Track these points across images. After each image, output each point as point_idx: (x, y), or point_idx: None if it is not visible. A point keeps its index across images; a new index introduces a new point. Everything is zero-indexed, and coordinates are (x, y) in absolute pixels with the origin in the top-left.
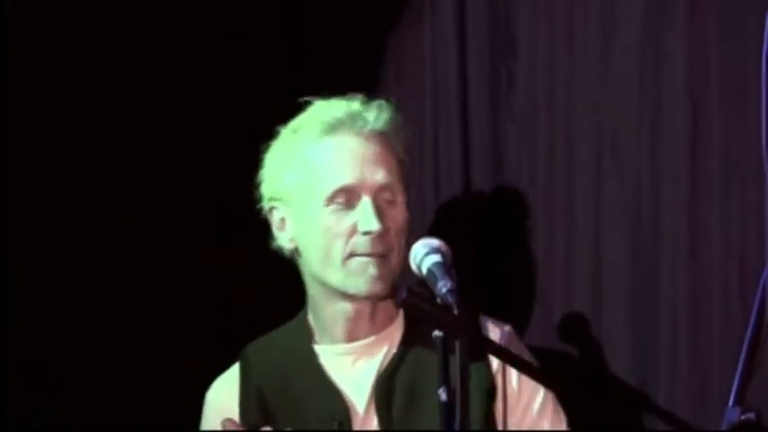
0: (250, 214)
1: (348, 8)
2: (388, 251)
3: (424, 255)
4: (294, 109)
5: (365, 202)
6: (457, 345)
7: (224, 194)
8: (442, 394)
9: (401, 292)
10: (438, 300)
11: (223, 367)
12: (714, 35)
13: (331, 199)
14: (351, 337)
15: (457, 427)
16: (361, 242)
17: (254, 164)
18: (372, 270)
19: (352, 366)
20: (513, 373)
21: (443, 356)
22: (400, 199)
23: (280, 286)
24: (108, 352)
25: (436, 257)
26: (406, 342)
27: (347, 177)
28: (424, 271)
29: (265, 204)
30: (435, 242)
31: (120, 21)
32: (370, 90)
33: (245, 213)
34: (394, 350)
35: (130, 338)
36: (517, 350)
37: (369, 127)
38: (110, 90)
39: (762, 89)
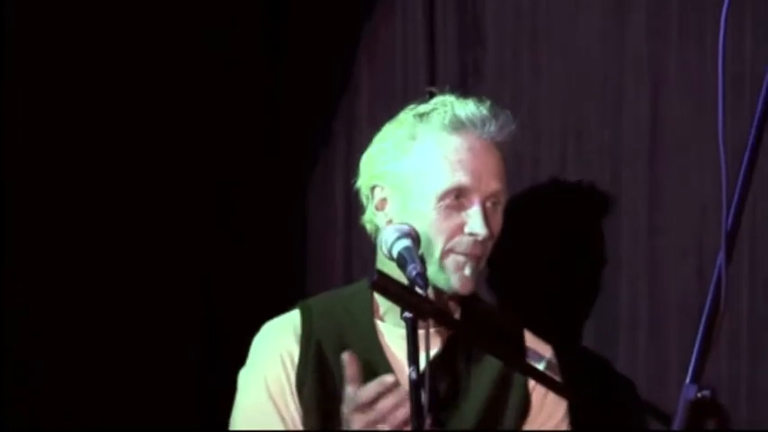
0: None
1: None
2: (484, 255)
3: (395, 239)
4: (273, 97)
5: (477, 206)
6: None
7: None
8: (412, 373)
9: (372, 275)
10: (408, 282)
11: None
12: (674, 25)
13: (445, 196)
14: None
15: (425, 405)
16: (464, 242)
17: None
18: (467, 270)
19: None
20: (541, 388)
21: (412, 336)
22: (500, 208)
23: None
24: (90, 341)
25: (406, 242)
26: (460, 338)
27: (466, 179)
28: (395, 254)
29: (366, 181)
30: (405, 227)
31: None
32: (343, 79)
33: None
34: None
35: (114, 328)
36: (552, 369)
37: (493, 134)
38: (92, 78)
39: (718, 79)
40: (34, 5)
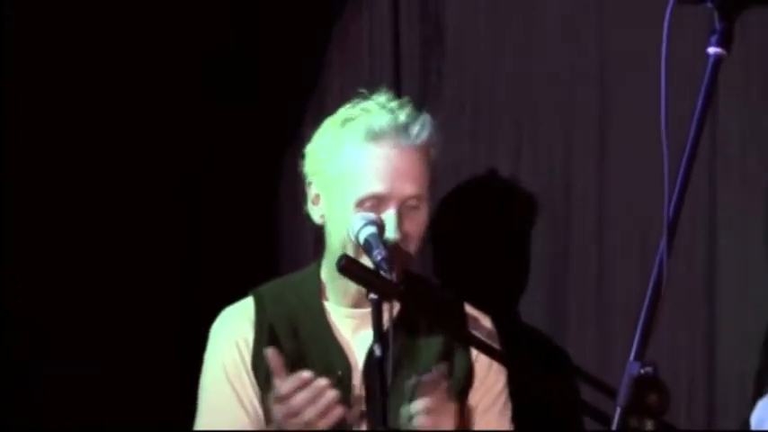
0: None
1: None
2: (405, 254)
3: (362, 226)
4: (245, 87)
5: (390, 212)
6: (386, 306)
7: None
8: (377, 350)
9: (340, 259)
10: (373, 266)
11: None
12: (627, 21)
13: (362, 202)
14: (356, 305)
15: (388, 379)
16: (378, 235)
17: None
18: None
19: (354, 330)
20: (483, 357)
21: (377, 316)
22: (424, 205)
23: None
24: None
25: (372, 229)
26: (401, 317)
27: (379, 187)
28: (362, 241)
29: (306, 176)
30: (371, 215)
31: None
32: (313, 75)
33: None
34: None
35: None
36: (491, 338)
37: (410, 141)
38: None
39: (661, 77)
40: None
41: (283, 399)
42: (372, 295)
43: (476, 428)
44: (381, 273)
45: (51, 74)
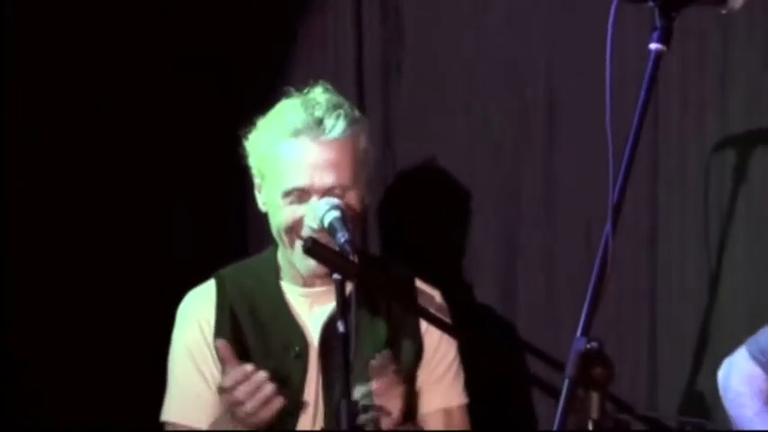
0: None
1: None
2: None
3: (326, 211)
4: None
5: (313, 202)
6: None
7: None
8: (340, 326)
9: (307, 242)
10: (337, 248)
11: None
12: (573, 19)
13: (286, 195)
14: (309, 283)
15: (351, 353)
16: (307, 232)
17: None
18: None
19: (310, 308)
20: (434, 329)
21: (341, 295)
22: (351, 192)
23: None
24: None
25: (336, 213)
26: (356, 295)
27: (300, 180)
28: (326, 224)
29: (250, 167)
30: (335, 200)
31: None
32: (281, 71)
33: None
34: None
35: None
36: (443, 314)
37: (326, 135)
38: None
39: (606, 71)
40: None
41: (226, 390)
42: (336, 275)
43: (431, 396)
44: (344, 254)
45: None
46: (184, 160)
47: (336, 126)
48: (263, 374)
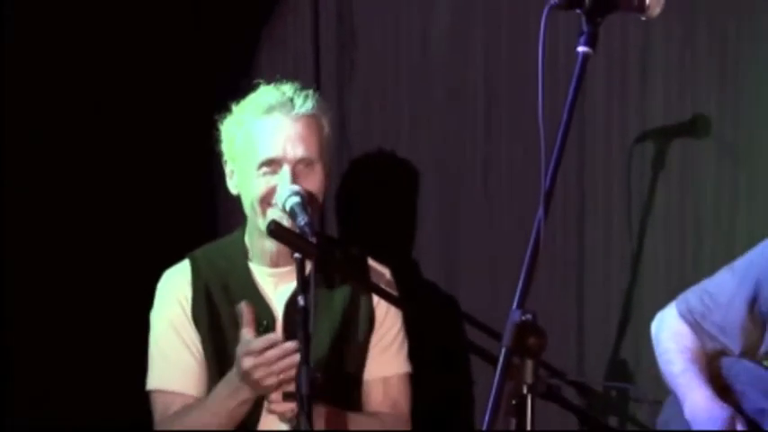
0: None
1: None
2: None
3: (288, 196)
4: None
5: (284, 172)
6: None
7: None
8: (301, 300)
9: (270, 224)
10: (298, 230)
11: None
12: (505, 24)
13: (261, 166)
14: (274, 264)
15: (311, 327)
16: (281, 200)
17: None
18: (286, 221)
19: (276, 286)
20: (383, 302)
21: (301, 272)
22: (318, 167)
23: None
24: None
25: (297, 198)
26: (315, 273)
27: (273, 151)
28: (288, 208)
29: (222, 156)
30: (296, 187)
31: None
32: (246, 70)
33: None
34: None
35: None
36: (390, 286)
37: (296, 111)
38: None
39: (539, 70)
40: None
41: (254, 353)
42: (297, 255)
43: (377, 364)
44: (304, 235)
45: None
46: (158, 151)
47: (306, 103)
48: (292, 344)
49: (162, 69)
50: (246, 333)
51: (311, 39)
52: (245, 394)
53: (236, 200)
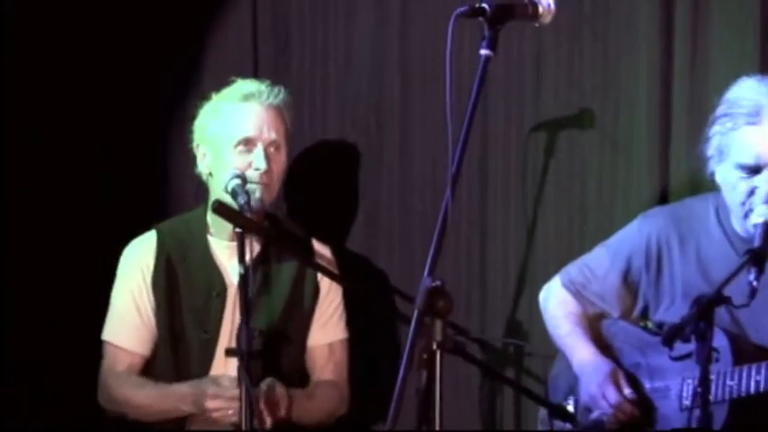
0: None
1: (186, 12)
2: (271, 182)
3: (230, 179)
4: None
5: (259, 149)
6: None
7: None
8: (241, 269)
9: (214, 203)
10: (238, 208)
11: None
12: (422, 38)
13: (238, 144)
14: (232, 238)
15: (250, 292)
16: (254, 174)
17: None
18: (258, 193)
19: (230, 258)
20: (326, 279)
21: (241, 243)
22: (283, 151)
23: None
24: None
25: (237, 181)
26: (266, 247)
27: (250, 131)
28: (230, 189)
29: (195, 144)
30: (237, 171)
31: None
32: (194, 71)
33: None
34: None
35: None
36: (331, 264)
37: (269, 101)
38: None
39: (446, 70)
40: None
41: (223, 398)
42: (238, 229)
43: (321, 332)
44: (244, 213)
45: None
46: (115, 139)
47: (278, 96)
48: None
49: (122, 66)
50: (225, 379)
51: (250, 45)
52: (191, 410)
53: (200, 181)
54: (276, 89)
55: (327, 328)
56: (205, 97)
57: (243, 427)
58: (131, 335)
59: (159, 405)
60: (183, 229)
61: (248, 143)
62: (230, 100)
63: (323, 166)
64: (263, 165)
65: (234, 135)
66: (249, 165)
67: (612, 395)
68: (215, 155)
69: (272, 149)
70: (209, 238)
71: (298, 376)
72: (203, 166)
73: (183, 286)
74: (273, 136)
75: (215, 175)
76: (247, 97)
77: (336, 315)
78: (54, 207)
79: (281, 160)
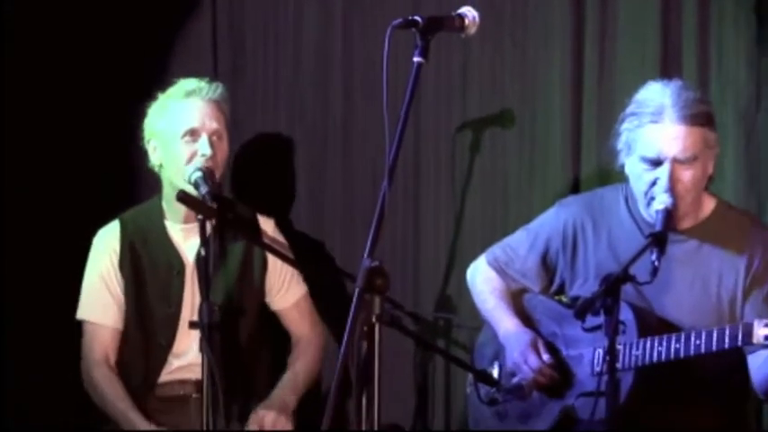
0: None
1: (153, 21)
2: (216, 167)
3: (192, 171)
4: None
5: (203, 138)
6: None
7: None
8: (202, 251)
9: (179, 193)
10: (200, 197)
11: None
12: (359, 46)
13: (184, 135)
14: (186, 221)
15: (210, 271)
16: (199, 161)
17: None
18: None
19: (185, 240)
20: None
21: (202, 230)
22: (224, 139)
23: None
24: None
25: (199, 173)
26: (218, 228)
27: (194, 123)
28: (192, 181)
29: (146, 140)
30: (199, 164)
31: None
32: (161, 74)
33: None
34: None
35: None
36: (276, 236)
37: (209, 96)
38: None
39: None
40: None
41: None
42: (200, 216)
43: (285, 295)
44: (204, 202)
45: None
46: (85, 136)
47: (216, 91)
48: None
49: (94, 67)
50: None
51: (210, 58)
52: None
53: (153, 172)
54: (214, 85)
55: (289, 289)
56: (152, 98)
57: (204, 395)
58: (105, 311)
59: (121, 419)
60: (142, 217)
61: (193, 133)
62: (175, 97)
63: (270, 153)
64: (208, 151)
65: (180, 127)
66: (195, 153)
67: (533, 361)
68: (165, 147)
69: (214, 138)
70: (166, 222)
71: (254, 345)
72: (155, 158)
73: (147, 267)
74: (215, 126)
75: (165, 166)
76: (190, 93)
77: (291, 276)
78: (30, 203)
79: (223, 147)
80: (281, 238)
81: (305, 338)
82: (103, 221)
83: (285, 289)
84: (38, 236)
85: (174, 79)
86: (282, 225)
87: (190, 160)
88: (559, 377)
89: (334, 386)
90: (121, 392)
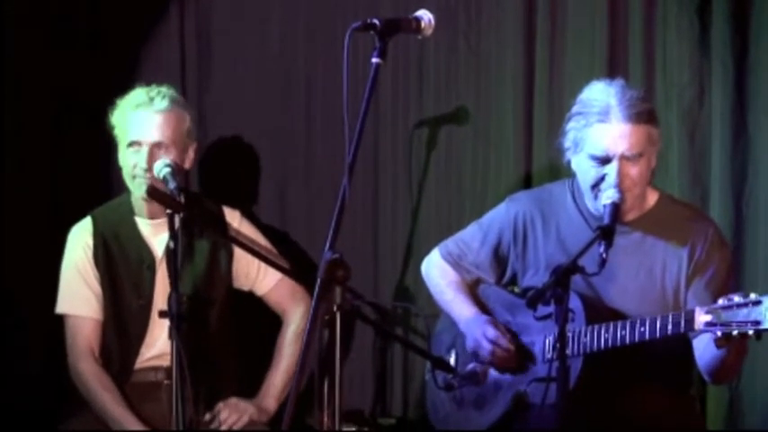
0: None
1: (124, 26)
2: (153, 176)
3: (162, 167)
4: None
5: (143, 150)
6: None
7: None
8: (171, 244)
9: (149, 188)
10: (169, 192)
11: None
12: (321, 48)
13: (129, 145)
14: (154, 217)
15: (179, 264)
16: (139, 171)
17: None
18: (144, 186)
19: (155, 234)
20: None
21: (171, 224)
22: (171, 150)
23: None
24: None
25: (168, 169)
26: (186, 223)
27: (137, 135)
28: (161, 176)
29: (114, 138)
30: (168, 160)
31: None
32: (131, 72)
33: None
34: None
35: None
36: (245, 226)
37: (155, 107)
38: None
39: (343, 77)
40: None
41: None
42: (169, 210)
43: (264, 279)
44: (173, 197)
45: None
46: (65, 133)
47: (162, 103)
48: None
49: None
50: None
51: (178, 57)
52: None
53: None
54: (162, 95)
55: (267, 275)
56: (113, 104)
57: (174, 382)
58: (85, 304)
59: (108, 418)
60: (113, 213)
61: (135, 145)
62: (125, 108)
63: (236, 153)
64: (144, 164)
65: (126, 137)
66: (138, 163)
67: (491, 332)
68: (120, 152)
69: (156, 149)
70: (136, 218)
71: (222, 333)
72: (119, 159)
73: (119, 260)
74: (156, 137)
75: (123, 171)
76: (137, 106)
77: (262, 265)
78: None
79: (170, 156)
80: (248, 226)
81: (288, 317)
82: (74, 218)
83: (263, 274)
84: (21, 231)
85: (137, 84)
86: (248, 216)
87: (133, 168)
88: (515, 350)
89: (296, 373)
90: (109, 385)
